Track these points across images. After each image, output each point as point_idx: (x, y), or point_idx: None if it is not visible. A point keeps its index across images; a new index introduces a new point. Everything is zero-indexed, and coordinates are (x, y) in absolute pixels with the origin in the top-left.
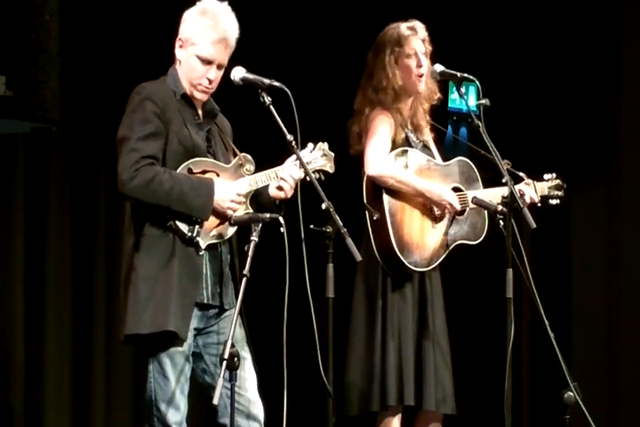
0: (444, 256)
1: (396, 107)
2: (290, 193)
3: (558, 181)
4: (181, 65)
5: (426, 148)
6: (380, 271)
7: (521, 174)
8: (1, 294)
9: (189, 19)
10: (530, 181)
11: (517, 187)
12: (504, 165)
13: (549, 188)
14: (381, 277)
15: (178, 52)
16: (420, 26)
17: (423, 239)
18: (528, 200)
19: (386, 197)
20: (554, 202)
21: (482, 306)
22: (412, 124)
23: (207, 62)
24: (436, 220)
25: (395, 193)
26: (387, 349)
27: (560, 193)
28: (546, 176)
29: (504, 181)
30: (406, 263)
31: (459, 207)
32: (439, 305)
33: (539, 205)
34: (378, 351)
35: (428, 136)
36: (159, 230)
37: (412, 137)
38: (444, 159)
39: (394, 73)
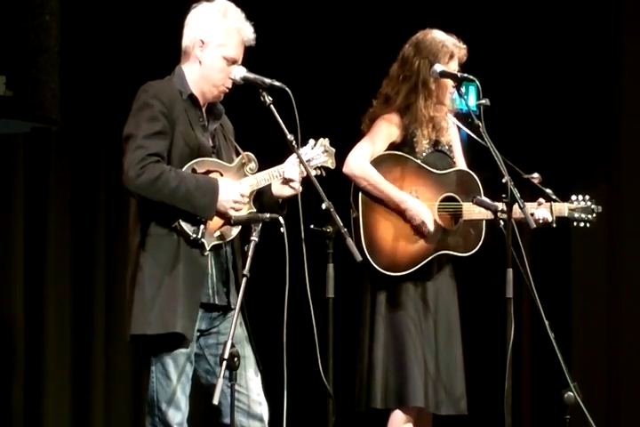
0: (422, 264)
1: (415, 105)
2: (299, 190)
3: (589, 204)
4: (202, 65)
5: (439, 151)
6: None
7: (547, 191)
8: (1, 293)
9: (211, 20)
10: (542, 200)
11: (529, 208)
12: (533, 180)
13: (573, 210)
14: (383, 279)
15: (198, 53)
16: (463, 47)
17: (398, 244)
18: (534, 220)
19: (361, 197)
20: (582, 225)
21: (482, 306)
22: (432, 126)
23: (233, 62)
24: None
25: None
26: (376, 349)
27: (590, 216)
28: (572, 197)
29: (504, 181)
30: (374, 265)
31: (431, 229)
32: (450, 310)
33: (554, 225)
34: (378, 352)
35: (451, 137)
36: (164, 230)
37: (423, 141)
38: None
39: (425, 78)
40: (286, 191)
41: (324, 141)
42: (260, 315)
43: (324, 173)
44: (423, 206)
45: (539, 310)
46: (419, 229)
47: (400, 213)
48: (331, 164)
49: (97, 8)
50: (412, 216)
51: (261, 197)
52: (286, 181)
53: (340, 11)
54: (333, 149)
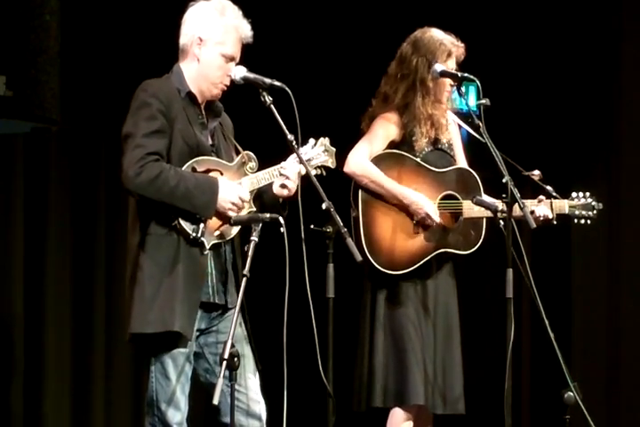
0: (422, 262)
1: (413, 103)
2: (294, 190)
3: (590, 201)
4: (200, 63)
5: (439, 150)
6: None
7: (548, 188)
8: (1, 293)
9: (209, 17)
10: (543, 197)
11: (529, 206)
12: (534, 177)
13: (574, 206)
14: (383, 278)
15: (196, 51)
16: (461, 45)
17: (398, 242)
18: (534, 218)
19: (361, 196)
20: (582, 222)
21: (482, 306)
22: (431, 124)
23: (231, 60)
24: (419, 225)
25: (372, 193)
26: (376, 349)
27: (591, 213)
28: (573, 194)
29: (504, 181)
30: (374, 263)
31: (437, 219)
32: (450, 308)
33: (554, 222)
34: (378, 351)
35: (451, 135)
36: (164, 229)
37: (422, 139)
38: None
39: (423, 77)
40: (286, 191)
41: (325, 141)
42: (260, 315)
43: (324, 173)
44: (426, 199)
45: (539, 310)
46: (424, 222)
47: (402, 208)
48: (331, 163)
49: (97, 8)
50: (415, 210)
51: (262, 197)
52: (283, 178)
53: (340, 10)
54: (334, 149)
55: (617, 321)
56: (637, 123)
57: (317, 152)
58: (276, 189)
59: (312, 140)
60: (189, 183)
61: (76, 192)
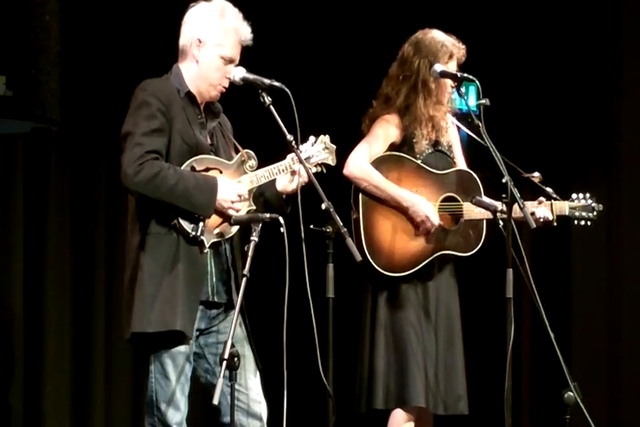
0: (423, 264)
1: (415, 105)
2: (305, 178)
3: (590, 202)
4: (199, 65)
5: (439, 152)
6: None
7: (548, 190)
8: (1, 293)
9: (209, 19)
10: (543, 198)
11: (530, 207)
12: (534, 179)
13: (574, 208)
14: (383, 280)
15: (196, 52)
16: (462, 47)
17: (398, 244)
18: (534, 219)
19: (361, 198)
20: (582, 223)
21: (482, 306)
22: (432, 126)
23: (229, 62)
24: (419, 227)
25: (372, 195)
26: (377, 351)
27: (591, 215)
28: (573, 196)
29: (504, 181)
30: (374, 265)
31: (436, 222)
32: (451, 309)
33: (554, 224)
34: (379, 353)
35: (451, 137)
36: (164, 229)
37: (423, 141)
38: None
39: (425, 78)
40: (290, 187)
41: (325, 138)
42: (260, 315)
43: (324, 170)
44: (425, 202)
45: (539, 310)
46: (422, 225)
47: (402, 211)
48: (331, 160)
49: (97, 8)
50: (414, 212)
51: (265, 195)
52: (287, 174)
53: (340, 11)
54: (334, 146)
55: (617, 321)
56: (637, 123)
57: (317, 149)
58: (280, 186)
59: (312, 138)
60: (188, 182)
61: (76, 192)
